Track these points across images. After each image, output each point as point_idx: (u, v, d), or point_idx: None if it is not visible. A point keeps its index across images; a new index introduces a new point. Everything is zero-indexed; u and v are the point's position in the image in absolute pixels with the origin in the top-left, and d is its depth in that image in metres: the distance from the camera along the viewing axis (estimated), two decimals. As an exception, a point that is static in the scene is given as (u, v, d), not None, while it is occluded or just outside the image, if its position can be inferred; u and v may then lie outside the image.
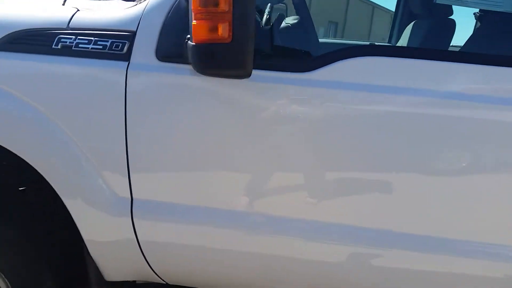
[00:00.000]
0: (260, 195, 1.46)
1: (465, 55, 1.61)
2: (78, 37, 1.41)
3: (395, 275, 1.48)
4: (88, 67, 1.40)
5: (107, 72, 1.39)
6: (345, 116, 1.37)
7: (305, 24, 1.84)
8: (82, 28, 1.42)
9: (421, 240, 1.40)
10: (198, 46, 1.12)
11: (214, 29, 1.06)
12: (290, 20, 1.74)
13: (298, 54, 1.44)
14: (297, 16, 1.73)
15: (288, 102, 1.38)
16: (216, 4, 1.04)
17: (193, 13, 1.08)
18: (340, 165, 1.40)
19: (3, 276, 1.59)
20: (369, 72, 1.35)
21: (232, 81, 1.33)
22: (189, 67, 1.28)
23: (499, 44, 1.88)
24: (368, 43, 3.56)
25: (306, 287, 1.62)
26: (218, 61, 1.14)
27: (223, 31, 1.06)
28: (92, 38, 1.40)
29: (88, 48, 1.40)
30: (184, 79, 1.36)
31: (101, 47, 1.40)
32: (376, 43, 3.16)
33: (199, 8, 1.06)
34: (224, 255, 1.55)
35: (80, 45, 1.40)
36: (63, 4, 1.56)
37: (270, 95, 1.38)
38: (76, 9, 1.48)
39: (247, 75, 1.19)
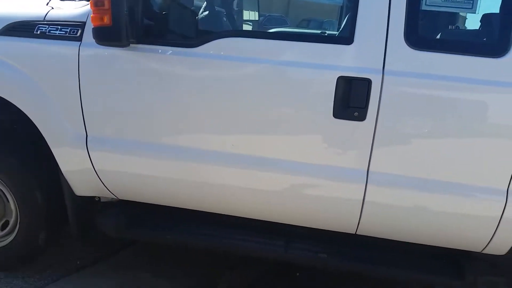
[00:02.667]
0: (178, 132, 2.10)
1: (290, 35, 2.17)
2: (50, 26, 2.13)
3: None
4: (55, 46, 2.12)
5: (67, 49, 2.10)
6: (219, 77, 1.99)
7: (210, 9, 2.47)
8: (52, 20, 2.14)
9: None
10: (95, 28, 1.80)
11: (102, 19, 1.75)
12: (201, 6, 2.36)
13: (188, 35, 2.09)
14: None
15: (183, 67, 2.03)
16: (102, 4, 1.72)
17: (91, 10, 1.77)
18: (220, 108, 2.02)
19: (10, 192, 2.36)
20: (232, 48, 1.97)
21: (144, 52, 2.01)
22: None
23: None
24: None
25: (220, 206, 2.25)
26: (105, 36, 1.82)
27: (106, 20, 1.74)
28: (58, 27, 2.12)
29: (56, 33, 2.12)
30: (115, 51, 2.03)
31: (64, 32, 2.11)
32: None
33: (93, 7, 1.75)
34: (157, 180, 2.21)
35: (51, 31, 2.13)
36: (47, 4, 2.28)
37: (172, 62, 2.04)
38: (51, 7, 2.20)
39: (124, 45, 1.86)
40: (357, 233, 2.14)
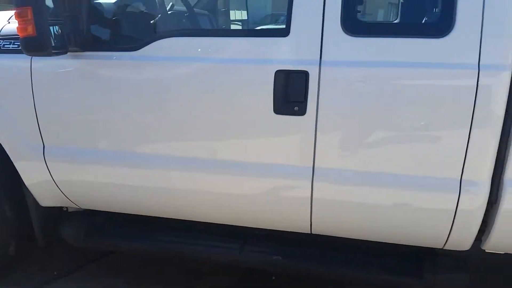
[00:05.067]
0: (129, 139, 2.09)
1: (228, 31, 2.13)
2: (4, 40, 2.19)
3: None
4: (9, 59, 2.18)
5: (20, 62, 2.14)
6: (162, 77, 1.99)
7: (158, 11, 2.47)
8: (6, 35, 2.20)
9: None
10: (22, 39, 1.83)
11: (26, 29, 1.76)
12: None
13: (131, 39, 2.10)
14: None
15: (124, 72, 2.03)
16: (26, 15, 1.74)
17: (16, 21, 1.80)
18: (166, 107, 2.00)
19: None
20: (172, 48, 1.96)
21: (89, 59, 2.03)
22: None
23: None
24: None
25: (168, 210, 2.23)
26: (31, 47, 1.83)
27: (30, 30, 1.76)
28: (12, 40, 2.18)
29: (10, 47, 2.18)
30: (62, 61, 2.05)
31: (16, 46, 2.16)
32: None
33: (17, 18, 1.77)
34: (111, 188, 2.21)
35: (5, 46, 2.19)
36: (8, 20, 2.35)
37: (115, 67, 2.04)
38: (7, 22, 2.27)
39: (48, 54, 1.86)
40: (312, 232, 2.06)
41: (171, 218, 2.27)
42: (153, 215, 2.27)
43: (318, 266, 2.06)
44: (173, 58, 1.96)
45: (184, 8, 2.62)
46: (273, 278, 2.70)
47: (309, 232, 2.06)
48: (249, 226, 2.14)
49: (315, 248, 2.13)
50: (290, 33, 1.82)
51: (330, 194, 1.91)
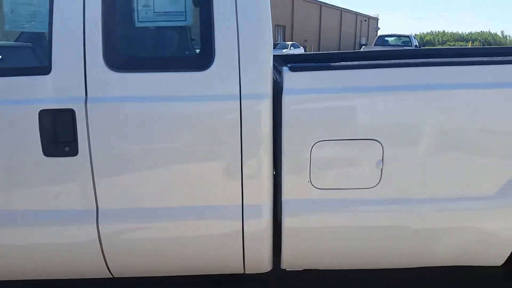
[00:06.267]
0: None
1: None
2: None
3: None
4: None
5: None
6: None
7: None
8: None
9: None
10: None
11: None
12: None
13: None
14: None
15: None
16: None
17: None
18: None
19: None
20: None
21: None
22: None
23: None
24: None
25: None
26: None
27: None
28: None
29: None
30: None
31: None
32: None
33: None
34: None
35: None
36: None
37: None
38: None
39: None
40: (114, 276, 1.95)
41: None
42: None
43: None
44: None
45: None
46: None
47: (112, 276, 1.95)
48: (47, 278, 1.96)
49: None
50: (52, 71, 1.70)
51: (117, 234, 1.81)
